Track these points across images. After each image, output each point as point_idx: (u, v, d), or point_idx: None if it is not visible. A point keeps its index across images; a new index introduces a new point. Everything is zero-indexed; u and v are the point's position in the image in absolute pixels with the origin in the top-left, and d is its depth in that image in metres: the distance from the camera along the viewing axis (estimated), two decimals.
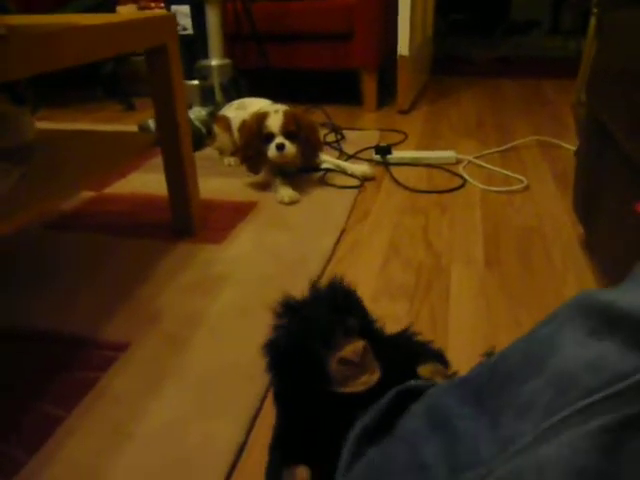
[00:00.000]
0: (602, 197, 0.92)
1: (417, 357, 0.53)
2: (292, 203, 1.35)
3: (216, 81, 1.92)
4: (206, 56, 1.92)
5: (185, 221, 1.19)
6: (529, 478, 0.31)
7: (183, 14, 1.87)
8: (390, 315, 0.89)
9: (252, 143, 1.40)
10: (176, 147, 1.10)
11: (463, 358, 0.55)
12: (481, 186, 1.43)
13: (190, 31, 1.90)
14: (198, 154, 1.60)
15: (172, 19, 1.05)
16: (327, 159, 1.57)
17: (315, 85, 2.75)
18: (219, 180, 1.51)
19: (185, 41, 1.74)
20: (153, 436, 0.67)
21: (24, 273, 1.06)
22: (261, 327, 0.82)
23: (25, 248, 1.16)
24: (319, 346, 0.50)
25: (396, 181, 1.48)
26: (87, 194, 1.42)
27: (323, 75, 2.56)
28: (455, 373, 0.52)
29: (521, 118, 2.09)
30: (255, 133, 1.40)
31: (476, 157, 1.63)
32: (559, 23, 4.27)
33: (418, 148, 1.78)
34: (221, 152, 1.68)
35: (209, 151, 1.73)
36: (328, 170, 1.54)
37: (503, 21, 4.29)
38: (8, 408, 0.72)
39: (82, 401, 0.73)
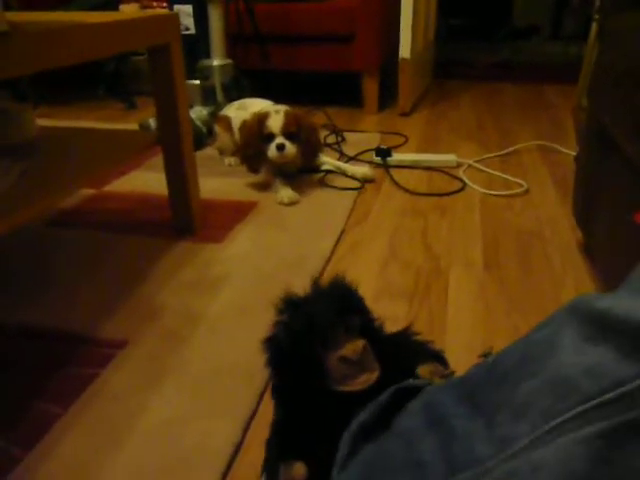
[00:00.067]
0: (601, 202, 0.92)
1: (417, 357, 0.53)
2: (292, 204, 1.35)
3: (217, 81, 1.92)
4: (208, 56, 1.93)
5: (185, 220, 1.19)
6: (524, 479, 0.32)
7: (186, 14, 1.88)
8: (388, 316, 0.89)
9: (252, 143, 1.41)
10: (177, 146, 1.10)
11: (461, 360, 0.55)
12: (481, 190, 1.43)
13: (192, 31, 1.91)
14: (199, 154, 1.60)
15: (175, 18, 1.05)
16: (327, 160, 1.57)
17: (316, 87, 2.75)
18: (219, 180, 1.51)
19: (187, 41, 1.74)
20: (151, 434, 0.67)
21: (24, 270, 1.06)
22: (260, 326, 0.82)
23: (25, 245, 1.16)
24: (319, 344, 0.50)
25: (396, 183, 1.49)
26: (87, 192, 1.42)
27: (324, 77, 2.57)
28: (454, 373, 0.52)
29: (522, 122, 2.10)
30: (255, 133, 1.40)
31: (476, 161, 1.63)
32: (560, 28, 4.28)
33: (418, 151, 1.78)
34: (222, 152, 1.69)
35: (210, 151, 1.74)
36: (328, 171, 1.54)
37: (505, 26, 4.31)
38: (5, 404, 0.72)
39: (79, 398, 0.73)
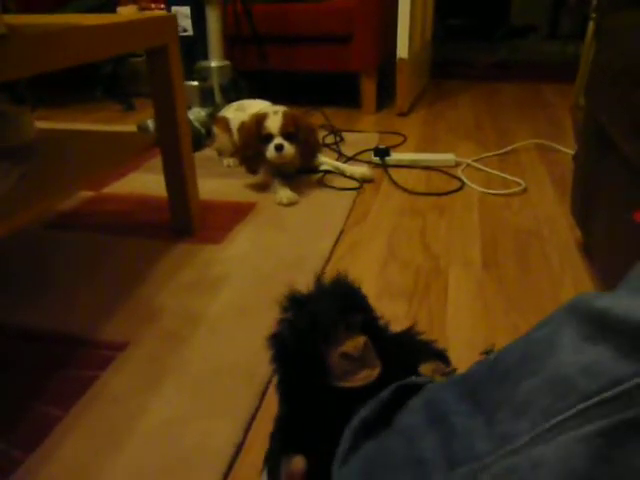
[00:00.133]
0: (600, 200, 0.93)
1: (419, 355, 0.54)
2: (291, 204, 1.35)
3: (216, 82, 1.92)
4: (206, 57, 1.93)
5: (184, 221, 1.19)
6: (523, 476, 0.32)
7: (183, 15, 1.88)
8: (388, 316, 0.89)
9: (251, 143, 1.41)
10: (175, 148, 1.11)
11: (460, 359, 0.56)
12: (479, 189, 1.43)
13: (190, 32, 1.91)
14: (197, 155, 1.60)
15: (173, 20, 1.05)
16: (326, 161, 1.57)
17: (314, 87, 2.76)
18: (218, 181, 1.51)
19: (185, 42, 1.74)
20: (151, 435, 0.67)
21: (23, 272, 1.06)
22: (260, 326, 0.83)
23: (24, 247, 1.16)
24: (321, 341, 0.51)
25: (395, 183, 1.49)
26: (86, 194, 1.42)
27: (322, 77, 2.57)
28: (455, 371, 0.52)
29: (520, 121, 2.10)
30: (254, 134, 1.40)
31: (475, 160, 1.64)
32: (557, 28, 4.29)
33: (417, 150, 1.78)
34: (220, 153, 1.69)
35: (208, 152, 1.74)
36: (327, 172, 1.55)
37: (502, 25, 4.31)
38: (5, 407, 0.72)
39: (80, 400, 0.73)
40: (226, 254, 1.11)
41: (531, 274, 1.03)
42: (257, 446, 0.65)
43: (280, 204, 1.35)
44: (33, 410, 0.71)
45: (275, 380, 0.57)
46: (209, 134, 1.77)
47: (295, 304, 0.55)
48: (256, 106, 1.56)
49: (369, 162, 1.63)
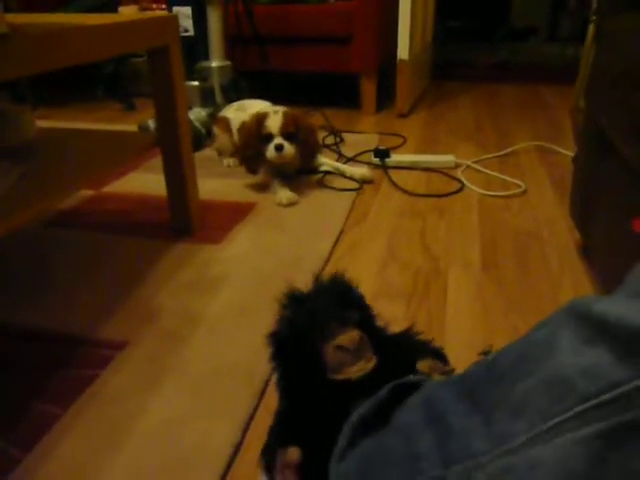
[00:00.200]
0: (599, 203, 0.93)
1: (416, 353, 0.54)
2: (290, 205, 1.35)
3: (216, 82, 1.92)
4: (207, 57, 1.93)
5: (184, 221, 1.19)
6: (520, 477, 0.32)
7: (185, 15, 1.88)
8: (387, 317, 0.89)
9: (251, 143, 1.41)
10: (176, 147, 1.11)
11: (459, 360, 0.56)
12: (479, 190, 1.44)
13: (191, 32, 1.91)
14: (197, 155, 1.60)
15: (174, 20, 1.05)
16: (326, 161, 1.57)
17: (315, 88, 2.76)
18: (218, 181, 1.51)
19: (186, 42, 1.75)
20: (150, 434, 0.67)
21: (22, 272, 1.06)
22: (259, 326, 0.83)
23: (24, 247, 1.16)
24: (316, 335, 0.51)
25: (394, 184, 1.49)
26: (86, 193, 1.42)
27: (323, 78, 2.58)
28: (453, 370, 0.53)
29: (519, 123, 2.10)
30: (254, 133, 1.40)
31: (474, 161, 1.64)
32: (557, 30, 4.30)
33: (417, 152, 1.78)
34: (220, 153, 1.69)
35: (209, 152, 1.74)
36: (327, 172, 1.55)
37: (502, 27, 4.32)
38: (4, 406, 0.72)
39: (79, 399, 0.73)
40: (226, 254, 1.12)
41: (530, 276, 1.03)
42: (255, 445, 0.65)
43: (280, 204, 1.35)
44: (32, 409, 0.71)
45: (275, 377, 0.57)
46: (209, 134, 1.77)
47: (294, 302, 0.55)
48: (256, 106, 1.56)
49: (369, 163, 1.63)
